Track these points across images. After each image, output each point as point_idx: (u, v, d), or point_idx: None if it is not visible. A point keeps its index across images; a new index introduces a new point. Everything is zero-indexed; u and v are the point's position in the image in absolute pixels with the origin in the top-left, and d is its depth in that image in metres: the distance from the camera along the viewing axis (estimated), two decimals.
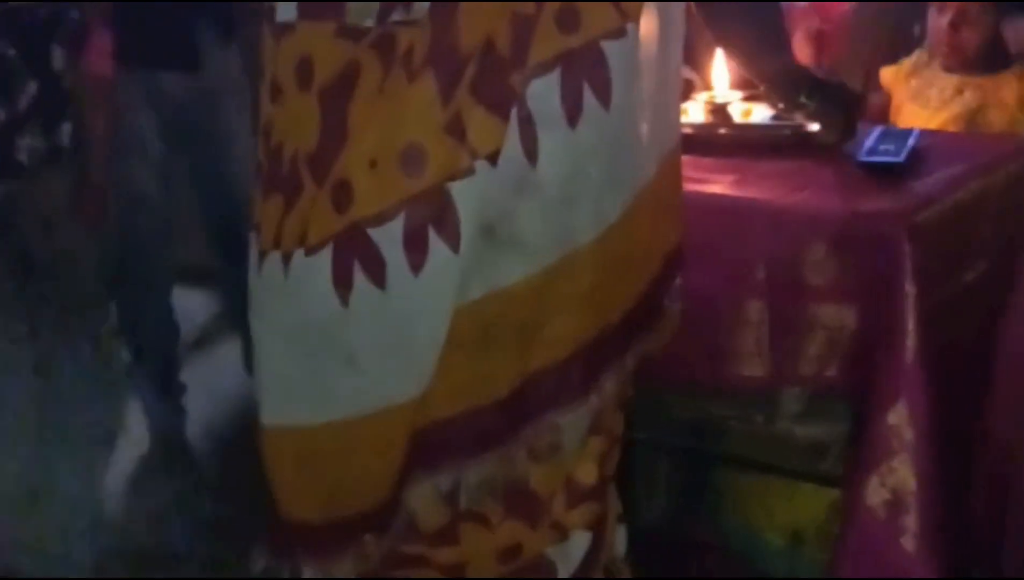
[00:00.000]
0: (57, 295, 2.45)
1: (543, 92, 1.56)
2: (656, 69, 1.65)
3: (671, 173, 1.74)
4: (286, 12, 1.65)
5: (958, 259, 2.05)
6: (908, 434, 1.89)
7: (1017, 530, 2.27)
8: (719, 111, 2.28)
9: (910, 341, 1.88)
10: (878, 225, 1.91)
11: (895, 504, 1.90)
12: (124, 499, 3.05)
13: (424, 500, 1.65)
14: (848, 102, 2.19)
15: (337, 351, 1.60)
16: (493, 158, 1.55)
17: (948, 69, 2.68)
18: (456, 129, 1.54)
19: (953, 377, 2.07)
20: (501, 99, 1.55)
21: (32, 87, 2.34)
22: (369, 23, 1.58)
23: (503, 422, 1.63)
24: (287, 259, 1.61)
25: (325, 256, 1.57)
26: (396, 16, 1.58)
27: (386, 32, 1.57)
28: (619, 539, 1.86)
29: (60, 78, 2.40)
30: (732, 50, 2.22)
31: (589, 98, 1.57)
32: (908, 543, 1.90)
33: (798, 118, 2.18)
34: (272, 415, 1.67)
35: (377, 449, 1.62)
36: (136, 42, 2.80)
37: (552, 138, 1.56)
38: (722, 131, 2.24)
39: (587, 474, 1.74)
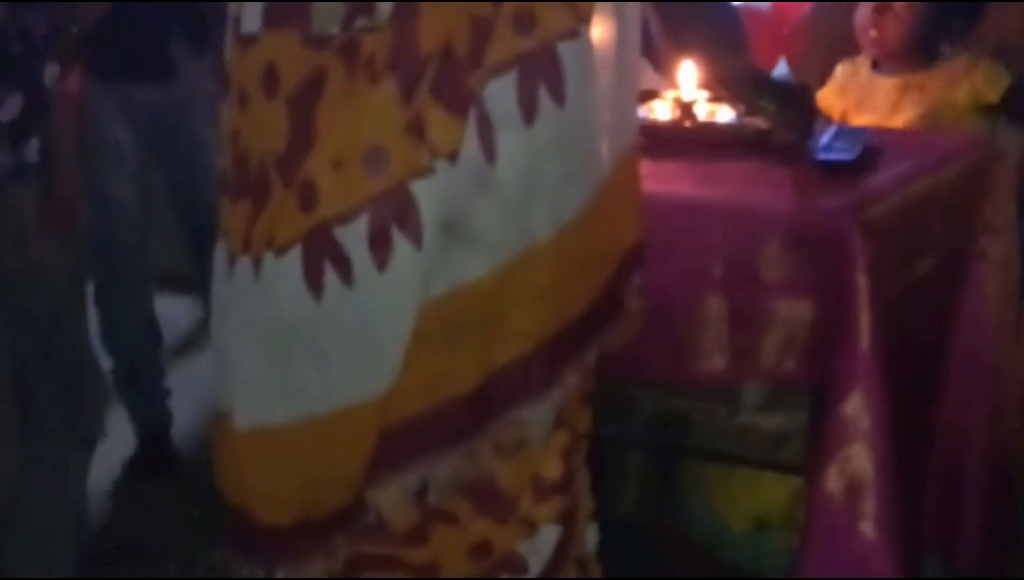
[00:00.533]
0: (33, 304, 2.49)
1: (500, 92, 1.59)
2: (612, 68, 1.68)
3: (629, 171, 1.77)
4: (251, 23, 1.68)
5: (910, 252, 2.11)
6: (864, 422, 1.95)
7: (968, 521, 2.34)
8: (685, 109, 2.34)
9: (864, 332, 1.94)
10: (830, 221, 1.97)
11: (853, 490, 1.96)
12: (109, 501, 3.11)
13: (392, 500, 1.67)
14: (805, 103, 2.25)
15: (310, 349, 1.64)
16: (452, 157, 1.59)
17: (876, 66, 2.73)
18: (417, 129, 1.58)
19: (907, 368, 2.14)
20: (459, 99, 1.59)
21: (18, 100, 2.38)
22: (334, 30, 1.62)
23: (469, 417, 1.66)
24: (257, 262, 1.64)
25: (295, 256, 1.62)
26: (360, 23, 1.61)
27: (351, 39, 1.61)
28: (590, 536, 1.88)
29: (46, 93, 2.44)
30: (691, 54, 2.28)
31: (544, 97, 1.61)
32: (867, 528, 1.96)
33: (758, 119, 2.24)
34: (245, 418, 1.69)
35: (348, 445, 1.66)
36: (110, 54, 2.85)
37: (509, 137, 1.60)
38: (686, 125, 2.31)
39: (553, 469, 1.76)
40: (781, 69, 3.33)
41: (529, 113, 1.60)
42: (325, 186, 1.60)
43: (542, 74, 1.60)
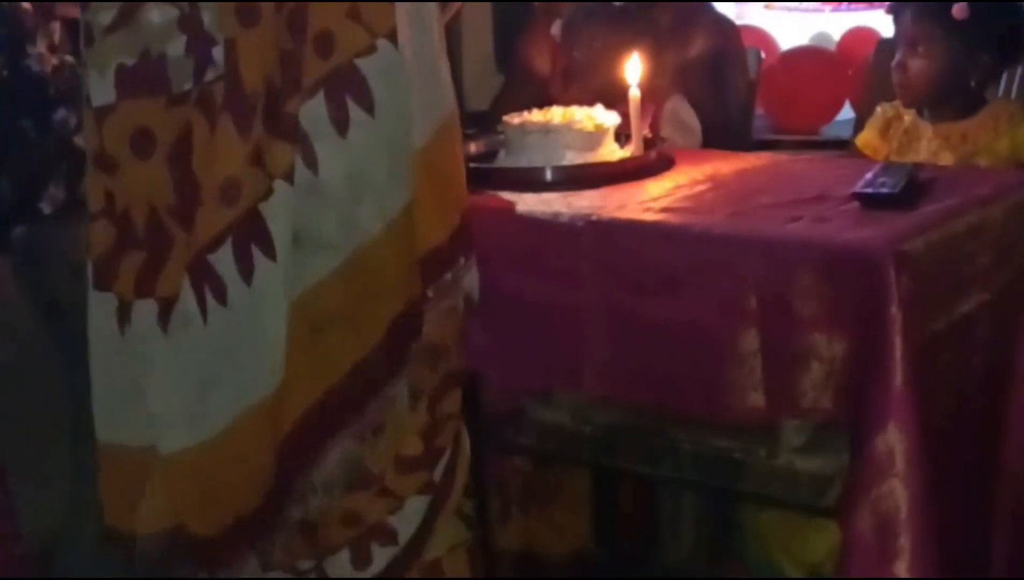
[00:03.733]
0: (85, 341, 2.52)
1: (314, 112, 1.85)
2: (416, 72, 1.90)
3: (440, 155, 1.95)
4: (103, 96, 1.89)
5: (955, 288, 2.05)
6: (898, 459, 1.90)
7: None
8: None
9: (898, 366, 1.89)
10: (864, 253, 1.93)
11: (886, 529, 1.90)
12: None
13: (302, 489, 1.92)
14: None
15: (207, 367, 1.88)
16: (288, 177, 1.84)
17: (908, 105, 2.71)
18: (258, 159, 1.84)
19: (963, 408, 2.08)
20: (286, 126, 1.85)
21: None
22: (188, 86, 1.86)
23: (348, 401, 1.90)
24: (166, 303, 1.88)
25: (187, 285, 1.87)
26: (209, 76, 1.85)
27: (203, 91, 1.86)
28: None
29: None
30: None
31: (354, 109, 1.85)
32: (900, 569, 1.90)
33: None
34: (171, 442, 1.90)
35: (253, 446, 1.89)
36: None
37: (328, 149, 1.85)
38: None
39: (412, 447, 1.96)
40: (846, 112, 3.33)
41: (341, 125, 1.85)
42: (199, 221, 1.86)
43: (347, 89, 1.85)
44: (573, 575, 2.78)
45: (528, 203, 2.20)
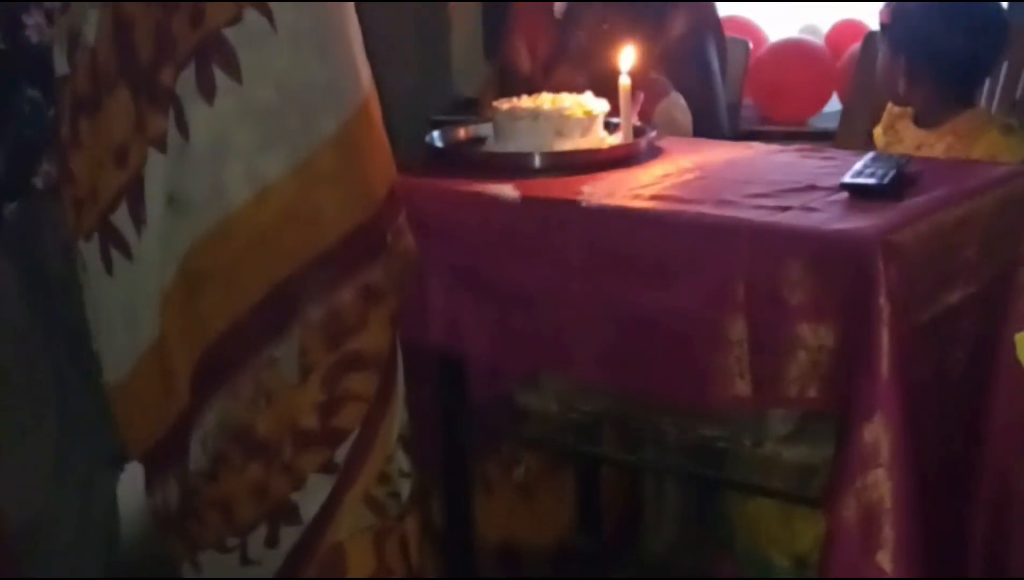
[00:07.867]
0: (72, 320, 2.50)
1: (186, 80, 1.94)
2: (315, 36, 1.97)
3: (365, 125, 2.02)
4: (61, 68, 2.10)
5: (940, 280, 2.05)
6: (884, 449, 1.90)
7: (1018, 561, 2.25)
8: None
9: (885, 356, 1.89)
10: (853, 243, 1.93)
11: (870, 520, 1.90)
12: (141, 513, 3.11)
13: (193, 443, 2.04)
14: None
15: (117, 312, 2.09)
16: (159, 144, 1.96)
17: (896, 102, 2.73)
18: (142, 126, 1.98)
19: (941, 400, 2.08)
20: (159, 94, 1.96)
21: None
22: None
23: (225, 358, 1.99)
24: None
25: (95, 241, 2.07)
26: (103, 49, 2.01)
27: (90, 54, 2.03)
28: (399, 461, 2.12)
29: None
30: None
31: (221, 77, 1.93)
32: (883, 559, 1.90)
33: None
34: (107, 377, 2.15)
35: (153, 382, 2.07)
36: None
37: (196, 115, 1.94)
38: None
39: (308, 421, 2.02)
40: (833, 104, 3.33)
41: (208, 92, 1.94)
42: (99, 184, 2.04)
43: (215, 58, 1.93)
44: (556, 564, 2.78)
45: (517, 189, 2.20)
